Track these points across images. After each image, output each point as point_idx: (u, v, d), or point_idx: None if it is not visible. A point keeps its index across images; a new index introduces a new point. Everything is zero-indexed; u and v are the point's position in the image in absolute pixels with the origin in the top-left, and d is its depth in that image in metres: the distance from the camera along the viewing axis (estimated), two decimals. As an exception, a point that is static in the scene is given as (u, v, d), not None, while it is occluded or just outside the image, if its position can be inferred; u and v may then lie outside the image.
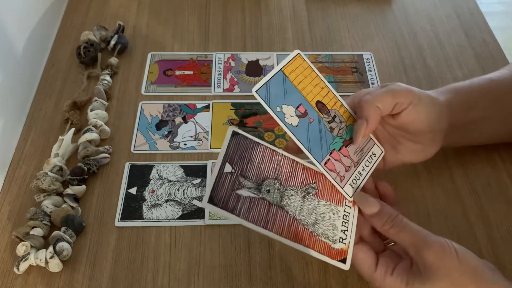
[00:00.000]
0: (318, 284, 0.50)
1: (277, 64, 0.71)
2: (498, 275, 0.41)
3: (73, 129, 0.60)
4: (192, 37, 0.75)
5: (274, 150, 0.46)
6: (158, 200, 0.56)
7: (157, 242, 0.53)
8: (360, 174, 0.49)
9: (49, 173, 0.55)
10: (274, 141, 0.61)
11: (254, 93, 0.44)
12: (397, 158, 0.52)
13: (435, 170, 0.58)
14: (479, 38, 0.75)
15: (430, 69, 0.71)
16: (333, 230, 0.45)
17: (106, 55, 0.70)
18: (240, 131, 0.45)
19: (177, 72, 0.70)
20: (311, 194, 0.46)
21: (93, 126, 0.60)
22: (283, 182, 0.45)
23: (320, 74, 0.50)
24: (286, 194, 0.45)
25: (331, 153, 0.47)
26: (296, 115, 0.47)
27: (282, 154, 0.46)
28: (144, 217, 0.54)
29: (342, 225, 0.46)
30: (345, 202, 0.47)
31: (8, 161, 0.59)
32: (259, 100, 0.45)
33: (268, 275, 0.50)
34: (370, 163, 0.50)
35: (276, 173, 0.45)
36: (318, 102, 0.49)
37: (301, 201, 0.45)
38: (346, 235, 0.46)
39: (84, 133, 0.59)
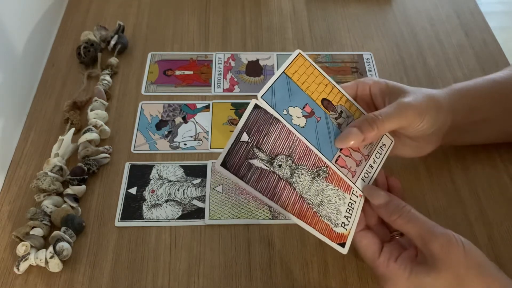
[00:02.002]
0: (318, 284, 0.50)
1: (277, 64, 0.71)
2: (502, 273, 0.42)
3: (73, 129, 0.60)
4: (192, 37, 0.75)
5: (291, 131, 0.46)
6: (158, 200, 0.56)
7: (157, 242, 0.53)
8: (371, 166, 0.49)
9: (49, 173, 0.55)
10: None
11: (259, 99, 0.45)
12: (392, 150, 0.52)
13: (435, 170, 0.58)
14: (479, 38, 0.75)
15: (430, 69, 0.70)
16: (336, 214, 0.46)
17: (106, 55, 0.70)
18: (263, 105, 0.46)
19: (177, 72, 0.70)
20: (320, 177, 0.47)
21: (93, 126, 0.60)
22: (295, 160, 0.46)
23: (323, 71, 0.50)
24: (296, 172, 0.46)
25: (341, 149, 0.48)
26: (303, 116, 0.47)
27: (298, 135, 0.47)
28: (144, 217, 0.54)
29: (346, 212, 0.47)
30: (352, 190, 0.48)
31: (8, 161, 0.59)
32: (265, 106, 0.45)
33: (268, 275, 0.50)
34: (380, 154, 0.51)
35: (290, 151, 0.46)
36: (323, 100, 0.49)
37: (310, 181, 0.46)
38: (349, 222, 0.47)
39: (84, 133, 0.59)
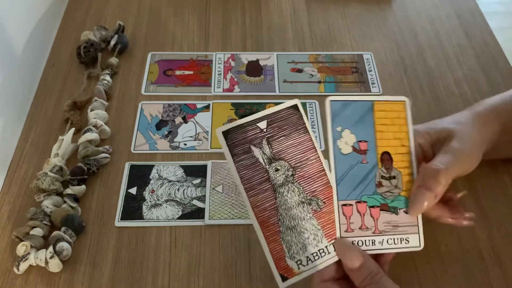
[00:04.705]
0: (318, 284, 0.50)
1: (277, 64, 0.71)
2: None
3: (73, 129, 0.60)
4: (192, 37, 0.75)
5: (315, 149, 0.43)
6: (158, 200, 0.56)
7: (157, 242, 0.53)
8: (374, 243, 0.43)
9: (49, 173, 0.55)
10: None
11: (327, 100, 0.43)
12: None
13: (435, 170, 0.58)
14: (479, 38, 0.75)
15: (430, 69, 0.70)
16: (300, 248, 0.42)
17: (106, 55, 0.70)
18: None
19: (177, 72, 0.70)
20: (310, 207, 0.43)
21: (93, 126, 0.60)
22: (296, 176, 0.43)
23: (411, 134, 0.45)
24: (289, 186, 0.42)
25: (358, 202, 0.43)
26: (352, 147, 0.43)
27: (319, 158, 0.43)
28: (144, 217, 0.54)
29: (312, 254, 0.42)
30: (333, 242, 0.43)
31: (8, 161, 0.59)
32: (327, 109, 0.43)
33: (268, 275, 0.50)
34: (395, 244, 0.44)
35: (297, 164, 0.43)
36: (386, 153, 0.45)
37: (296, 203, 0.42)
38: (307, 265, 0.42)
39: (84, 133, 0.59)
